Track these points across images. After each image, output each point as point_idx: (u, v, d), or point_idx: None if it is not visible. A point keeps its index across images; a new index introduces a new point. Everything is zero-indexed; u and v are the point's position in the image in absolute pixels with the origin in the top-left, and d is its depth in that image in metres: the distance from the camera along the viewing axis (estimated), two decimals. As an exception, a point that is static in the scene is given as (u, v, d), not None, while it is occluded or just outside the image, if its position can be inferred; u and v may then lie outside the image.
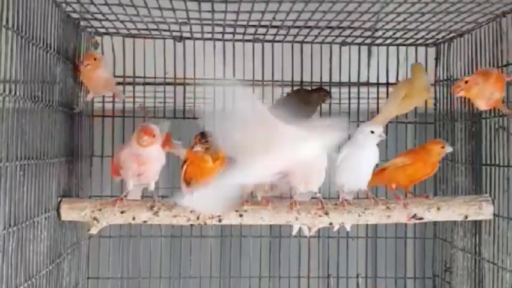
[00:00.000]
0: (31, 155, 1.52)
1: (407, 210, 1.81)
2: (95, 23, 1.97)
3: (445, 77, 2.19)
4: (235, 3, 1.66)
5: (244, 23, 1.91)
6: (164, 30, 2.02)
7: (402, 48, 2.24)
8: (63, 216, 1.76)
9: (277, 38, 2.15)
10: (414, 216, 1.81)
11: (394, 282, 2.31)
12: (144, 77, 2.21)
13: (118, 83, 2.12)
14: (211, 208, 1.70)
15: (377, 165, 1.86)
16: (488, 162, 1.87)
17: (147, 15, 1.77)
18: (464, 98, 1.92)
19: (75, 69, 1.93)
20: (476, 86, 1.70)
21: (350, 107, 2.25)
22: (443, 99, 2.21)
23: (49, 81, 1.67)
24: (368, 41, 2.18)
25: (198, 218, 1.77)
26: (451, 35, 2.06)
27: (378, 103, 2.24)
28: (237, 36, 2.12)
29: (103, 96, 2.16)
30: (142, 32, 2.07)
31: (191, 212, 1.76)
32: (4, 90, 1.33)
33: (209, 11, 1.71)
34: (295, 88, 2.21)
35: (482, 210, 1.82)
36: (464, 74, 1.99)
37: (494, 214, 1.82)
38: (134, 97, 2.19)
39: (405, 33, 2.05)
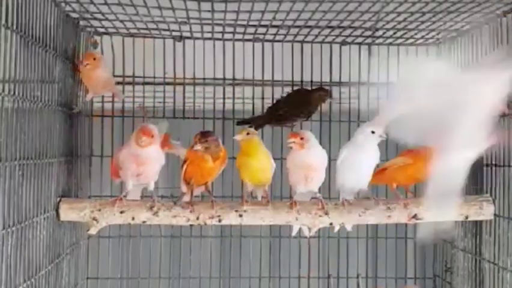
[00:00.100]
0: (30, 155, 1.51)
1: (408, 210, 1.80)
2: (95, 23, 1.97)
3: (445, 77, 2.19)
4: (235, 2, 1.66)
5: (244, 22, 1.91)
6: (164, 30, 2.02)
7: (402, 48, 2.23)
8: (62, 216, 1.75)
9: (277, 37, 2.14)
10: (414, 216, 1.81)
11: (394, 282, 2.30)
12: (144, 77, 2.20)
13: (118, 83, 2.11)
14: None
15: (377, 165, 1.86)
16: (488, 162, 1.87)
17: (147, 15, 1.77)
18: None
19: (74, 69, 1.93)
20: None
21: (350, 106, 2.25)
22: (444, 99, 2.21)
23: (48, 81, 1.66)
24: (369, 40, 2.18)
25: (197, 218, 1.76)
26: (451, 34, 2.06)
27: (378, 103, 2.24)
28: (237, 36, 2.12)
29: (102, 96, 2.16)
30: (141, 31, 2.06)
31: (190, 212, 1.75)
32: (3, 90, 1.32)
33: (209, 11, 1.71)
34: (295, 88, 2.21)
35: (483, 211, 1.82)
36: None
37: (494, 214, 1.81)
38: (133, 97, 2.18)
39: (405, 33, 2.05)
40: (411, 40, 2.16)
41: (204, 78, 2.22)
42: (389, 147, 2.08)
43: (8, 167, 1.35)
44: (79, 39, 1.99)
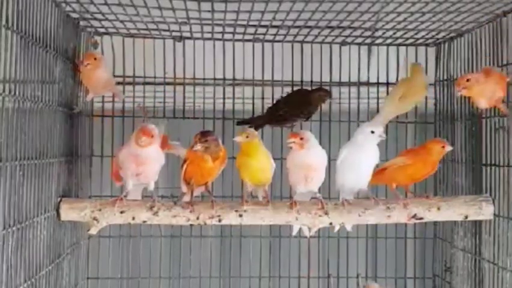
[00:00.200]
0: (31, 155, 1.51)
1: (407, 210, 1.80)
2: (95, 23, 1.97)
3: (445, 77, 2.19)
4: (235, 3, 1.66)
5: (244, 22, 1.91)
6: (164, 30, 2.02)
7: (402, 48, 2.24)
8: (63, 216, 1.75)
9: (277, 37, 2.15)
10: (414, 216, 1.81)
11: (394, 282, 2.31)
12: (144, 77, 2.21)
13: (118, 83, 2.12)
14: None
15: (377, 165, 1.86)
16: (488, 162, 1.87)
17: (147, 15, 1.77)
18: (465, 97, 1.92)
19: (75, 69, 1.93)
20: (478, 85, 1.70)
21: (350, 106, 2.25)
22: (443, 99, 2.21)
23: (49, 81, 1.67)
24: (368, 40, 2.18)
25: (197, 218, 1.76)
26: (451, 34, 2.06)
27: (378, 103, 2.24)
28: (237, 36, 2.12)
29: (103, 96, 2.16)
30: (141, 31, 2.07)
31: (190, 212, 1.76)
32: (4, 90, 1.33)
33: (209, 11, 1.71)
34: (295, 88, 2.21)
35: (483, 210, 1.82)
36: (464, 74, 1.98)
37: (494, 214, 1.82)
38: (134, 97, 2.19)
39: (405, 33, 2.05)
40: (411, 40, 2.16)
41: (204, 78, 2.23)
42: (389, 147, 2.09)
43: (8, 167, 1.35)
44: (79, 40, 2.00)
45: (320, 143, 1.78)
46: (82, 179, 2.05)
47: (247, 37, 2.13)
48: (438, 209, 1.81)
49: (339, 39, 2.17)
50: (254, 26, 1.96)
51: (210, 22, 1.88)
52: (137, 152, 1.72)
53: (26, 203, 1.49)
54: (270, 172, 1.78)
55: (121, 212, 1.75)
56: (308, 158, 1.73)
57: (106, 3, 1.68)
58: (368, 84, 2.28)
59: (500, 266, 1.79)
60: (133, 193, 1.81)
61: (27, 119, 1.49)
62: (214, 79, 2.22)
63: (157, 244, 2.24)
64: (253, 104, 2.23)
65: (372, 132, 1.80)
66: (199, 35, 2.09)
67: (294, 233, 1.95)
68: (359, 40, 2.17)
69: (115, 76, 2.11)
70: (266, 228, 2.25)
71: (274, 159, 1.80)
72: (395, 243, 2.31)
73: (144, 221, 1.77)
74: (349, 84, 2.26)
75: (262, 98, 2.23)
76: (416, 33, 2.06)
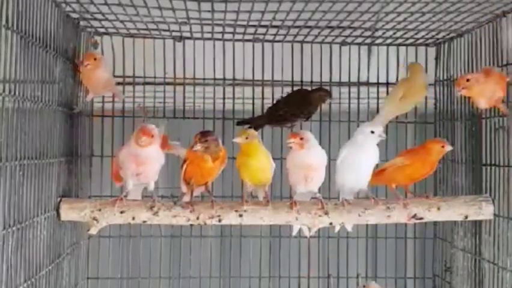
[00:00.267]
0: (31, 155, 1.51)
1: (407, 210, 1.80)
2: (95, 23, 1.97)
3: (445, 77, 2.19)
4: (235, 3, 1.66)
5: (244, 22, 1.91)
6: (164, 30, 2.02)
7: (402, 48, 2.24)
8: (63, 216, 1.75)
9: (277, 37, 2.15)
10: (414, 216, 1.81)
11: (394, 282, 2.31)
12: (144, 77, 2.21)
13: (118, 83, 2.12)
14: None
15: (377, 165, 1.86)
16: (488, 162, 1.87)
17: (147, 15, 1.77)
18: (465, 97, 1.92)
19: (75, 69, 1.93)
20: (478, 85, 1.70)
21: (350, 107, 2.25)
22: (443, 99, 2.21)
23: (49, 81, 1.67)
24: (368, 40, 2.18)
25: (197, 218, 1.76)
26: (451, 34, 2.06)
27: (378, 103, 2.24)
28: (237, 36, 2.12)
29: (103, 96, 2.16)
30: (141, 31, 2.07)
31: (190, 212, 1.76)
32: (4, 90, 1.33)
33: (209, 11, 1.71)
34: (295, 88, 2.21)
35: (482, 210, 1.82)
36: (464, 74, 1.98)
37: (494, 214, 1.82)
38: (134, 97, 2.19)
39: (405, 33, 2.05)
40: (411, 40, 2.16)
41: (204, 78, 2.23)
42: (389, 147, 2.09)
43: (8, 166, 1.35)
44: (79, 40, 2.00)
45: (320, 143, 1.78)
46: (81, 179, 2.05)
47: (247, 37, 2.13)
48: (438, 209, 1.81)
49: (339, 39, 2.17)
50: (254, 26, 1.96)
51: (210, 22, 1.88)
52: (137, 152, 1.72)
53: (26, 203, 1.49)
54: (270, 172, 1.78)
55: (121, 212, 1.75)
56: (308, 158, 1.73)
57: (106, 3, 1.68)
58: (368, 84, 2.29)
59: (500, 266, 1.79)
60: (133, 193, 1.81)
61: (27, 119, 1.49)
62: (214, 79, 2.22)
63: (157, 244, 2.24)
64: (253, 104, 2.23)
65: (372, 132, 1.80)
66: (199, 35, 2.09)
67: (294, 233, 1.95)
68: (359, 40, 2.17)
69: (115, 76, 2.11)
70: (266, 228, 2.25)
71: (274, 159, 1.80)
72: (395, 243, 2.31)
73: (144, 221, 1.77)
74: (349, 84, 2.26)
75: (262, 98, 2.23)
76: (416, 33, 2.06)
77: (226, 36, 2.11)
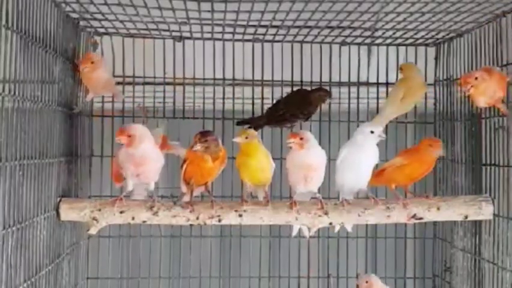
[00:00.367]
0: (30, 155, 1.51)
1: (407, 210, 1.80)
2: (95, 23, 1.97)
3: (445, 77, 2.19)
4: (235, 3, 1.66)
5: (244, 23, 1.91)
6: (164, 30, 2.02)
7: (402, 48, 2.24)
8: (62, 216, 1.75)
9: (277, 38, 2.15)
10: (414, 216, 1.81)
11: (394, 282, 2.30)
12: (144, 77, 2.21)
13: (118, 83, 2.12)
14: None
15: (376, 165, 1.86)
16: (488, 162, 1.87)
17: (147, 15, 1.77)
18: (464, 97, 1.92)
19: (74, 69, 1.93)
20: (483, 82, 1.69)
21: (349, 107, 2.25)
22: (443, 99, 2.21)
23: (48, 81, 1.67)
24: (368, 40, 2.18)
25: (197, 218, 1.76)
26: (451, 34, 2.06)
27: (378, 103, 2.24)
28: (237, 36, 2.12)
29: (103, 96, 2.16)
30: (141, 31, 2.07)
31: (190, 212, 1.76)
32: (3, 90, 1.33)
33: (209, 11, 1.71)
34: (295, 88, 2.21)
35: (482, 210, 1.82)
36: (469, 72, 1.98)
37: (494, 214, 1.82)
38: (133, 97, 2.19)
39: (405, 33, 2.05)
40: (410, 40, 2.16)
41: (204, 79, 2.23)
42: (389, 147, 2.09)
43: (8, 166, 1.35)
44: (79, 40, 2.00)
45: (320, 143, 1.78)
46: (81, 179, 2.05)
47: (247, 37, 2.13)
48: (438, 209, 1.81)
49: (339, 39, 2.17)
50: (254, 26, 1.96)
51: (209, 22, 1.88)
52: (130, 153, 1.71)
53: (26, 203, 1.49)
54: (269, 172, 1.78)
55: (121, 212, 1.75)
56: (308, 158, 1.73)
57: (105, 3, 1.68)
58: (367, 84, 2.29)
59: (500, 266, 1.79)
60: (137, 192, 1.81)
61: (27, 119, 1.49)
62: (214, 79, 2.22)
63: (157, 244, 2.24)
64: (253, 104, 2.23)
65: (372, 132, 1.80)
66: (199, 35, 2.09)
67: (295, 233, 1.95)
68: (359, 40, 2.17)
69: (114, 76, 2.11)
70: (266, 228, 2.25)
71: (274, 159, 1.80)
72: (394, 243, 2.31)
73: (144, 221, 1.77)
74: (349, 84, 2.26)
75: (262, 98, 2.23)
76: (415, 33, 2.06)
77: (226, 36, 2.11)
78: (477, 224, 1.93)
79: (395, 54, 2.24)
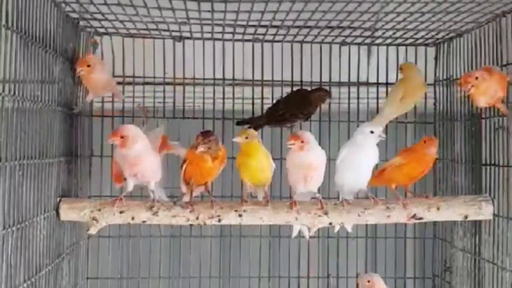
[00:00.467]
0: (30, 154, 1.51)
1: (407, 210, 1.80)
2: (95, 23, 1.97)
3: (445, 77, 2.19)
4: (235, 3, 1.66)
5: (244, 23, 1.91)
6: (164, 30, 2.02)
7: (401, 48, 2.24)
8: (62, 216, 1.75)
9: (277, 38, 2.15)
10: (414, 216, 1.81)
11: (394, 282, 2.30)
12: (143, 77, 2.21)
13: (118, 83, 2.11)
14: None
15: (376, 165, 1.86)
16: (488, 162, 1.87)
17: (146, 15, 1.77)
18: (464, 96, 1.92)
19: (74, 69, 1.93)
20: (484, 82, 1.69)
21: (349, 107, 2.25)
22: (443, 99, 2.21)
23: (48, 81, 1.67)
24: (368, 40, 2.18)
25: (197, 218, 1.76)
26: (451, 34, 2.06)
27: (378, 103, 2.24)
28: (237, 36, 2.12)
29: (102, 96, 2.16)
30: (141, 31, 2.07)
31: (190, 212, 1.76)
32: (3, 90, 1.33)
33: (208, 11, 1.71)
34: (294, 88, 2.21)
35: (482, 210, 1.82)
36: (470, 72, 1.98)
37: (494, 214, 1.82)
38: (133, 97, 2.19)
39: (404, 33, 2.05)
40: (410, 40, 2.16)
41: (204, 79, 2.23)
42: (389, 147, 2.09)
43: (8, 166, 1.35)
44: (79, 40, 2.00)
45: (320, 143, 1.78)
46: (81, 179, 2.05)
47: (246, 37, 2.13)
48: (438, 209, 1.81)
49: (339, 39, 2.17)
50: (254, 26, 1.96)
51: (209, 22, 1.88)
52: (124, 154, 1.71)
53: (25, 203, 1.49)
54: (269, 172, 1.78)
55: (121, 212, 1.76)
56: (307, 158, 1.73)
57: (105, 3, 1.69)
58: (367, 84, 2.29)
59: (499, 266, 1.79)
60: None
61: (26, 118, 1.49)
62: (214, 79, 2.22)
63: (156, 244, 2.24)
64: (252, 104, 2.23)
65: (372, 132, 1.80)
66: (199, 35, 2.09)
67: (295, 234, 1.95)
68: (359, 40, 2.17)
69: (114, 76, 2.11)
70: (266, 228, 2.25)
71: (274, 159, 1.80)
72: (394, 243, 2.31)
73: (144, 221, 1.77)
74: (349, 84, 2.26)
75: (262, 98, 2.23)
76: (415, 33, 2.06)
77: (226, 36, 2.11)
78: (477, 224, 1.93)
79: (395, 54, 2.24)
